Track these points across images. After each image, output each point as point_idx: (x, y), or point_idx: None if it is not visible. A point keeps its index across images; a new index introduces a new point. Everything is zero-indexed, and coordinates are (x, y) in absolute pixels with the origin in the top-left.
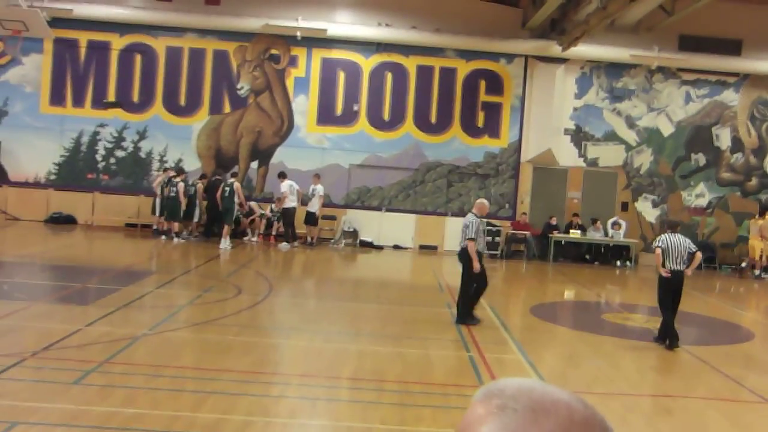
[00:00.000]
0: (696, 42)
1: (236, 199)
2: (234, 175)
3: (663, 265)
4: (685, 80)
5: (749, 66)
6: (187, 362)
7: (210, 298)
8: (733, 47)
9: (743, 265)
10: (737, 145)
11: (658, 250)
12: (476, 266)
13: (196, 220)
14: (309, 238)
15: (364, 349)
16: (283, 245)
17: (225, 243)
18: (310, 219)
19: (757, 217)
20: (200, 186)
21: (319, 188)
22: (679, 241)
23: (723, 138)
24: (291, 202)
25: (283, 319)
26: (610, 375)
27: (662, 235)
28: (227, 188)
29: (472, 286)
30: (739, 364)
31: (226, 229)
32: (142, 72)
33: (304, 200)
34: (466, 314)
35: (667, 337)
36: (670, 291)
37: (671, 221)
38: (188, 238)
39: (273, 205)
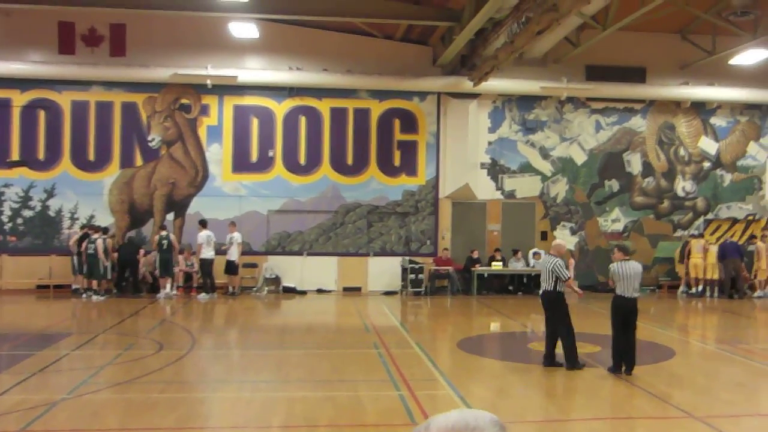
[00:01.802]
0: (602, 71)
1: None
2: (105, 232)
3: (615, 291)
4: (594, 109)
5: (654, 92)
6: (111, 424)
7: (131, 355)
8: (637, 75)
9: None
10: (648, 169)
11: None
12: (580, 292)
13: (108, 277)
14: (230, 288)
15: (294, 395)
16: (203, 296)
17: (169, 291)
18: (231, 268)
19: (696, 236)
20: (109, 242)
21: (237, 236)
22: (631, 267)
23: (634, 163)
24: (208, 253)
25: (208, 371)
26: (540, 403)
27: (614, 263)
28: (165, 241)
29: (570, 325)
30: (663, 382)
31: (168, 280)
32: (46, 128)
33: (222, 250)
34: (573, 358)
35: (620, 363)
36: (620, 316)
37: (623, 246)
38: (105, 295)
39: (183, 257)
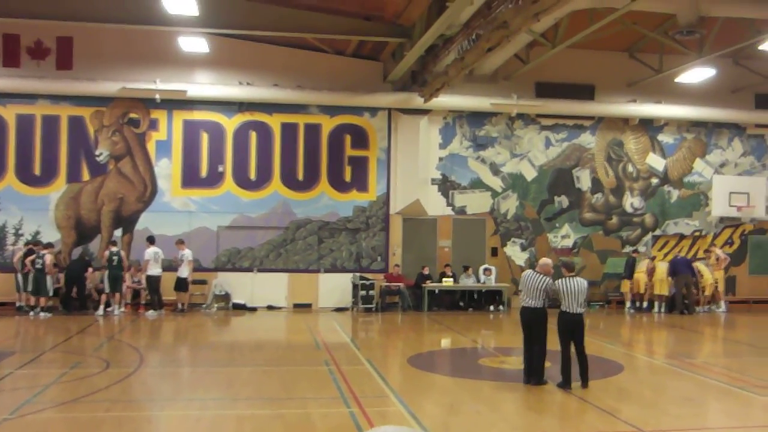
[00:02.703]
0: (552, 88)
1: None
2: (51, 247)
3: (560, 307)
4: (544, 125)
5: (602, 109)
6: None
7: (77, 374)
8: (586, 92)
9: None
10: (597, 185)
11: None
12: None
13: (51, 294)
14: (180, 305)
15: (243, 413)
16: (150, 313)
17: (117, 309)
18: (181, 285)
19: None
20: (49, 258)
21: (188, 253)
22: (576, 284)
23: (583, 179)
24: (155, 269)
25: (156, 390)
26: (491, 419)
27: (559, 279)
28: (115, 257)
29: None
30: (612, 396)
31: (117, 297)
32: None
33: (174, 266)
34: (542, 374)
35: (569, 378)
36: (567, 331)
37: (568, 263)
38: (51, 312)
39: (129, 273)
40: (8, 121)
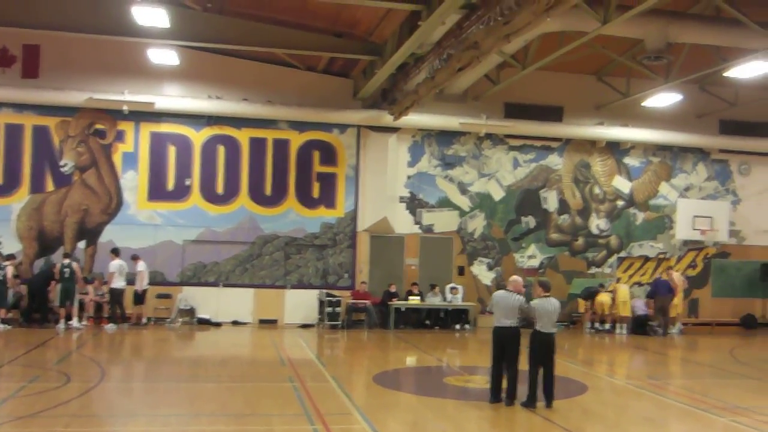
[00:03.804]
0: (521, 109)
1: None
2: (12, 259)
3: (535, 326)
4: (512, 146)
5: (570, 131)
6: None
7: (35, 388)
8: (555, 113)
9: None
10: (564, 206)
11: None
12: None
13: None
14: (143, 318)
15: (206, 429)
16: (110, 326)
17: (77, 322)
18: (138, 298)
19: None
20: (10, 269)
21: (141, 264)
22: (550, 304)
23: (550, 200)
24: (119, 282)
25: (117, 405)
26: None
27: (535, 299)
28: (66, 269)
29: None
30: (576, 417)
31: (74, 309)
32: None
33: (129, 280)
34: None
35: (535, 398)
36: (539, 351)
37: (544, 283)
38: (11, 325)
39: (93, 286)
40: None
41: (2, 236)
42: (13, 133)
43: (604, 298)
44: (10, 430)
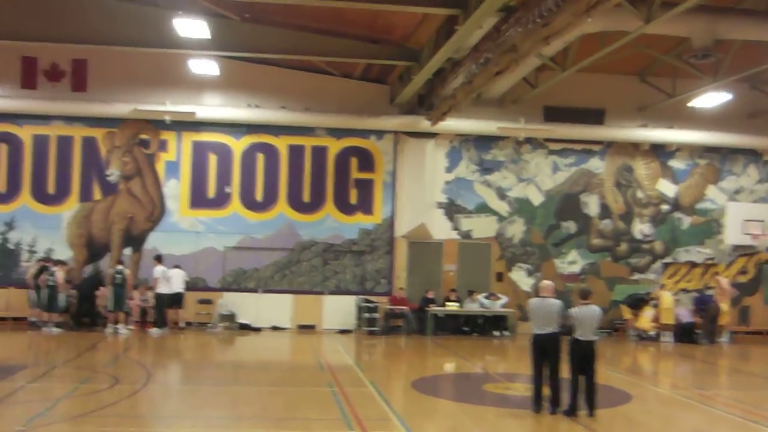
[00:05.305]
0: (560, 112)
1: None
2: (60, 263)
3: (574, 334)
4: (552, 150)
5: (612, 134)
6: None
7: (87, 389)
8: (596, 116)
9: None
10: (605, 211)
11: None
12: None
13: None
14: (176, 322)
15: None
16: (155, 331)
17: (123, 329)
18: (175, 302)
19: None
20: (61, 274)
21: (172, 271)
22: (590, 311)
23: (591, 205)
24: (163, 288)
25: (162, 407)
26: None
27: (575, 308)
28: (119, 275)
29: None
30: (620, 426)
31: (122, 315)
32: (7, 161)
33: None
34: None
35: (576, 406)
36: (578, 359)
37: (583, 290)
38: (62, 328)
39: (138, 292)
40: (24, 141)
41: (54, 243)
42: (64, 144)
43: (648, 312)
44: (65, 428)
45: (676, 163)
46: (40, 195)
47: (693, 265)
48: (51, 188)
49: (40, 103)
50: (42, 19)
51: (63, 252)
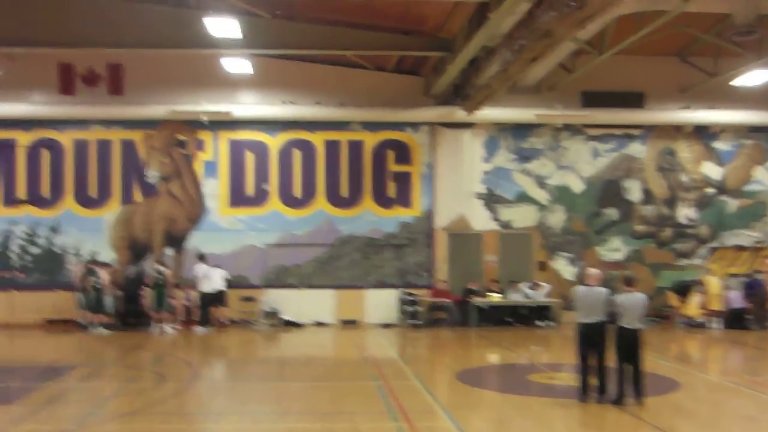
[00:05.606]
0: (599, 97)
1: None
2: (104, 265)
3: (619, 322)
4: (591, 136)
5: (653, 117)
6: None
7: (135, 387)
8: (635, 100)
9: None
10: (648, 196)
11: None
12: None
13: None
14: (218, 320)
15: (294, 427)
16: (199, 329)
17: (168, 328)
18: (220, 299)
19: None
20: (106, 276)
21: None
22: (635, 298)
23: (633, 191)
24: (206, 286)
25: (209, 403)
26: None
27: (620, 295)
28: (159, 276)
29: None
30: (669, 415)
31: (166, 315)
32: (50, 167)
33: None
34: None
35: (623, 394)
36: (624, 347)
37: (628, 277)
38: (109, 329)
39: (182, 291)
40: (65, 146)
41: (98, 246)
42: (104, 148)
43: (695, 298)
44: (115, 427)
45: (721, 145)
46: (83, 199)
47: (740, 248)
48: (93, 192)
49: (79, 109)
50: (76, 25)
51: (107, 254)
